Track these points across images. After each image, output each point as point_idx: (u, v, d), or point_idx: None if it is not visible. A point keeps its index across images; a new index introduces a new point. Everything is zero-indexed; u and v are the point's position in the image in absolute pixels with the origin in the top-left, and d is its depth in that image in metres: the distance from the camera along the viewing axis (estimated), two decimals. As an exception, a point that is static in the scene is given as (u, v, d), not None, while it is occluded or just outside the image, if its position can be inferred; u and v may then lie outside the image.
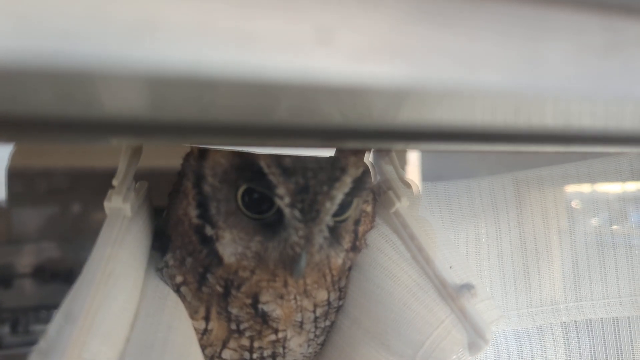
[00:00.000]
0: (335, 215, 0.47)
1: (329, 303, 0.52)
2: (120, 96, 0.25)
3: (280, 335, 0.50)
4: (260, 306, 0.48)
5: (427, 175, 0.74)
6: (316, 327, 0.52)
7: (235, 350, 0.50)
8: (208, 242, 0.47)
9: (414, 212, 0.56)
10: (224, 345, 0.50)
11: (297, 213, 0.44)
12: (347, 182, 0.45)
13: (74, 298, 0.41)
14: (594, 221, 0.76)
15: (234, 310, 0.49)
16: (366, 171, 0.48)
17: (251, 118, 0.29)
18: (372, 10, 0.22)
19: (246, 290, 0.48)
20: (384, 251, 0.54)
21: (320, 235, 0.46)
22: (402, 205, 0.55)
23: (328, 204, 0.45)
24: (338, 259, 0.50)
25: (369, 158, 0.54)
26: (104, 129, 0.29)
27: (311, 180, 0.44)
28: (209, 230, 0.47)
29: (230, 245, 0.47)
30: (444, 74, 0.25)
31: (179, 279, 0.49)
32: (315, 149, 0.46)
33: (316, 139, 0.37)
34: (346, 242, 0.51)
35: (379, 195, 0.56)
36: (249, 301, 0.48)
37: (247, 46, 0.21)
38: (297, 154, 0.45)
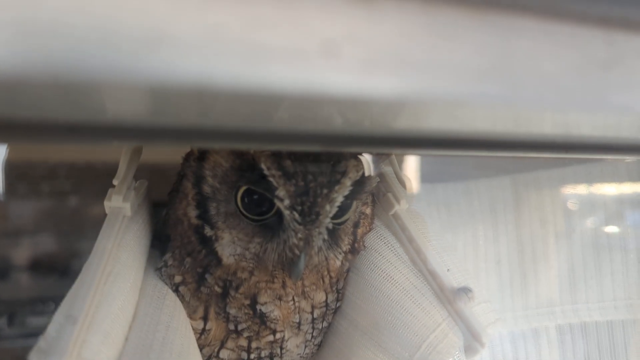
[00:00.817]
0: (335, 217, 0.47)
1: (326, 304, 0.52)
2: (125, 103, 0.26)
3: (278, 336, 0.51)
4: (258, 307, 0.49)
5: (426, 176, 0.75)
6: (314, 329, 0.53)
7: (233, 350, 0.51)
8: (207, 242, 0.48)
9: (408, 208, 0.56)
10: (222, 345, 0.51)
11: (296, 215, 0.44)
12: (346, 185, 0.46)
13: (73, 297, 0.42)
14: (591, 224, 0.76)
15: (233, 311, 0.49)
16: (365, 174, 0.48)
17: (252, 123, 0.30)
18: (377, 25, 0.22)
19: (245, 291, 0.48)
20: (382, 253, 0.54)
21: (319, 238, 0.46)
22: (401, 207, 0.55)
23: (327, 207, 0.45)
24: (336, 261, 0.50)
25: (368, 161, 0.55)
26: (107, 133, 0.29)
27: (311, 183, 0.44)
28: (208, 231, 0.48)
29: (229, 246, 0.47)
30: (446, 85, 0.25)
31: (177, 278, 0.50)
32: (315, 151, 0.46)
33: (316, 143, 0.37)
34: (345, 245, 0.51)
35: (378, 197, 0.57)
36: (247, 302, 0.49)
37: (253, 58, 0.21)
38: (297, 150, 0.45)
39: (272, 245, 0.46)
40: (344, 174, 0.46)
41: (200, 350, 0.50)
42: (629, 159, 0.68)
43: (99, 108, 0.25)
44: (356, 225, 0.52)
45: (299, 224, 0.45)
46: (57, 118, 0.25)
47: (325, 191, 0.45)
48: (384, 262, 0.53)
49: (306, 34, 0.22)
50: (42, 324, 0.41)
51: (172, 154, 0.53)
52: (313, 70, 0.22)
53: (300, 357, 0.54)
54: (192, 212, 0.48)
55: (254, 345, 0.50)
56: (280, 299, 0.49)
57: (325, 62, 0.22)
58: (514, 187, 0.72)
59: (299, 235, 0.45)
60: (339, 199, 0.45)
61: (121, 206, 0.48)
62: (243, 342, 0.50)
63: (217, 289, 0.48)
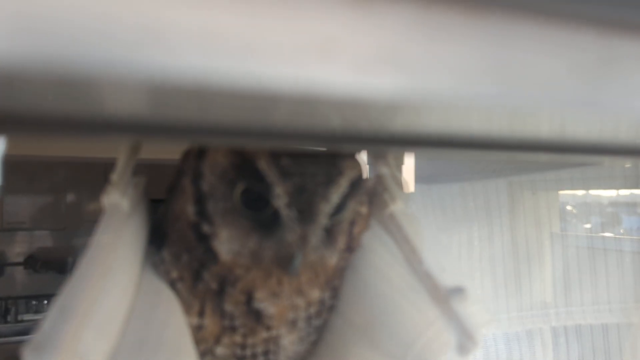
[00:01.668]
0: (331, 216, 0.47)
1: (322, 302, 0.53)
2: (122, 99, 0.26)
3: (274, 332, 0.51)
4: (254, 304, 0.49)
5: (422, 176, 0.75)
6: (309, 326, 0.53)
7: (228, 346, 0.51)
8: (205, 239, 0.48)
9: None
10: (217, 342, 0.51)
11: (293, 213, 0.45)
12: (343, 184, 0.46)
13: (70, 292, 0.42)
14: (586, 227, 0.76)
15: (228, 307, 0.49)
16: (362, 173, 0.49)
17: (250, 120, 0.30)
18: (375, 23, 0.22)
19: (241, 287, 0.49)
20: (377, 252, 0.54)
21: (316, 236, 0.46)
22: (397, 207, 0.55)
23: (324, 206, 0.45)
24: (332, 259, 0.50)
25: (365, 159, 0.55)
26: (104, 128, 0.29)
27: (308, 182, 0.44)
28: (206, 228, 0.48)
29: (227, 243, 0.47)
30: (443, 86, 0.26)
31: (174, 274, 0.50)
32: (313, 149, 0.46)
33: (314, 141, 0.37)
34: (341, 243, 0.51)
35: (374, 196, 0.57)
36: (243, 298, 0.49)
37: (250, 56, 0.21)
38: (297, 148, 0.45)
39: (269, 242, 0.47)
40: (340, 172, 0.46)
41: (196, 346, 0.50)
42: (626, 163, 0.68)
43: (95, 103, 0.25)
44: (352, 224, 0.53)
45: (296, 222, 0.45)
46: (51, 111, 0.26)
47: (321, 190, 0.45)
48: (380, 261, 0.53)
49: (305, 32, 0.22)
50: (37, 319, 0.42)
51: (171, 151, 0.53)
52: (312, 69, 0.22)
53: (296, 354, 0.54)
54: (190, 209, 0.49)
55: (249, 341, 0.51)
56: (276, 296, 0.49)
57: (324, 61, 0.22)
58: (509, 189, 0.72)
59: (296, 233, 0.45)
60: (336, 198, 0.46)
61: (119, 202, 0.48)
62: (238, 339, 0.51)
63: (214, 286, 0.49)
